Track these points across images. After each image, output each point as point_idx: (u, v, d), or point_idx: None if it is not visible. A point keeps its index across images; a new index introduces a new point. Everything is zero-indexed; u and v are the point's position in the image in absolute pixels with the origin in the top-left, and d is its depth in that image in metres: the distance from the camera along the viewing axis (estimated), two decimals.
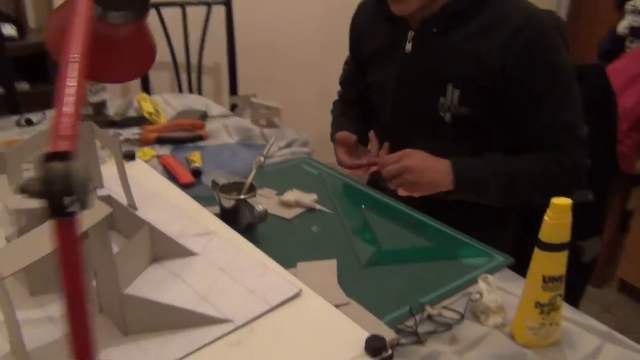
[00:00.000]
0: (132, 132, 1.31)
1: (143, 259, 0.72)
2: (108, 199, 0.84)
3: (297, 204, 1.00)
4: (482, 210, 1.08)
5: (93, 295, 0.66)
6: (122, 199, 0.84)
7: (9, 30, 2.18)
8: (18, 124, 1.38)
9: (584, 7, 3.48)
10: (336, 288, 0.76)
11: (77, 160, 0.30)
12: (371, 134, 1.20)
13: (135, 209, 0.82)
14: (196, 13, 2.29)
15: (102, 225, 0.57)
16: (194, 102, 1.59)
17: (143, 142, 1.26)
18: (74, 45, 0.36)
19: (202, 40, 2.33)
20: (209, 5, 2.28)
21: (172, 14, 2.27)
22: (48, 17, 0.57)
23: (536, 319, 0.67)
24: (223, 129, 1.36)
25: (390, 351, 0.60)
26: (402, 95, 1.17)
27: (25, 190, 0.29)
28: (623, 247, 2.09)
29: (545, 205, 0.68)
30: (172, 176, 1.11)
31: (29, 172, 0.87)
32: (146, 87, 2.33)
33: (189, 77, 2.40)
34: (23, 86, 2.25)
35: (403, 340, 0.68)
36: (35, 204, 0.65)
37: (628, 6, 2.39)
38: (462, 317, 0.73)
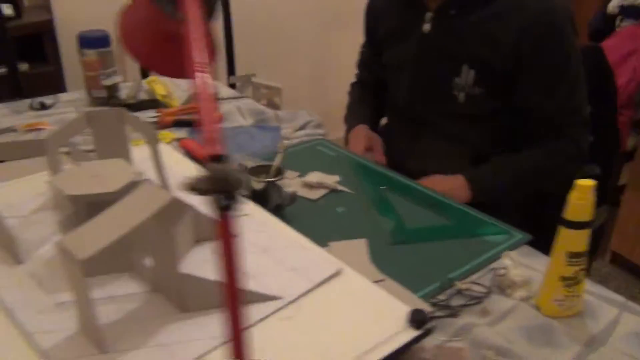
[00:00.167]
0: (147, 115, 1.33)
1: (189, 240, 0.76)
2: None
3: (320, 185, 1.04)
4: None
5: (148, 274, 0.70)
6: (155, 182, 0.87)
7: (6, 9, 2.16)
8: (32, 107, 1.39)
9: None
10: (370, 266, 0.80)
11: (231, 162, 0.33)
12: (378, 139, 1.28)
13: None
14: None
15: (166, 210, 0.60)
16: None
17: (161, 125, 1.29)
18: (199, 55, 0.39)
19: None
20: None
21: None
22: (120, 14, 0.59)
23: (561, 292, 0.72)
24: (236, 111, 1.38)
25: (432, 323, 0.65)
26: (417, 75, 1.21)
27: (194, 188, 0.32)
28: (615, 221, 2.17)
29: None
30: (194, 159, 1.14)
31: (65, 155, 0.89)
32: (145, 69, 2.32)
33: None
34: (22, 66, 2.24)
35: (438, 313, 0.73)
36: (88, 190, 0.68)
37: None
38: (490, 291, 0.77)
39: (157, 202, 0.60)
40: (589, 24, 2.64)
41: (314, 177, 1.05)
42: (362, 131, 1.29)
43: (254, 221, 0.84)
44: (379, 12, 1.30)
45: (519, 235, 0.91)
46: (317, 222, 0.94)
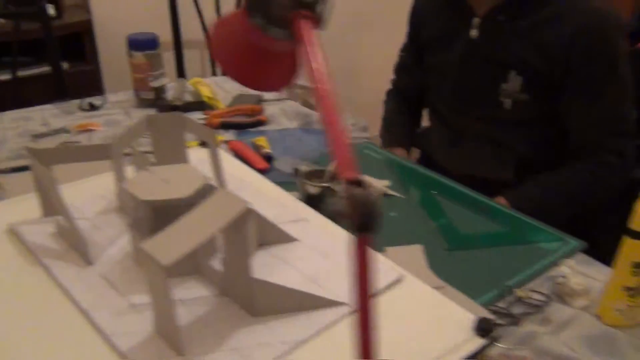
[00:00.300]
0: (195, 117, 1.35)
1: (253, 244, 0.78)
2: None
3: None
4: None
5: (216, 278, 0.71)
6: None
7: (49, 10, 2.21)
8: (81, 107, 1.43)
9: None
10: (429, 272, 0.81)
11: (369, 187, 0.35)
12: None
13: None
14: None
15: (242, 219, 0.62)
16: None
17: (209, 127, 1.31)
18: (326, 80, 0.40)
19: None
20: None
21: None
22: (214, 28, 0.61)
23: (625, 302, 0.72)
24: (282, 114, 1.40)
25: (497, 332, 0.66)
26: (462, 80, 1.21)
27: (337, 213, 0.34)
28: None
29: None
30: (244, 162, 1.15)
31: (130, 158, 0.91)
32: (181, 70, 2.34)
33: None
34: (63, 66, 2.29)
35: (500, 321, 0.73)
36: (162, 196, 0.70)
37: None
38: (550, 299, 0.78)
39: (234, 210, 0.62)
40: (625, 26, 2.61)
41: None
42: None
43: (311, 226, 0.85)
44: (423, 16, 1.31)
45: (573, 242, 0.91)
46: None
